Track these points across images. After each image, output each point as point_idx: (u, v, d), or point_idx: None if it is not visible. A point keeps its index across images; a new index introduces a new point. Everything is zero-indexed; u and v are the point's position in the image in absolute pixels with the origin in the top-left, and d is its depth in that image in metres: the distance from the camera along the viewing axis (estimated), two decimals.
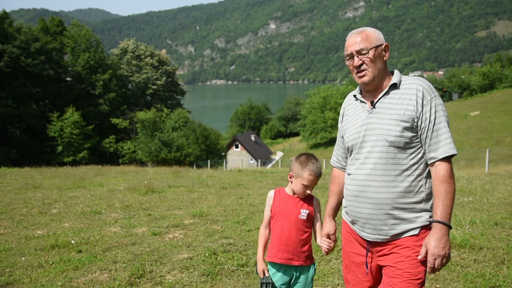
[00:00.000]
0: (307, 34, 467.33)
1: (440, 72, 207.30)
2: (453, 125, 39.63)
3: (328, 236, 2.31)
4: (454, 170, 1.93)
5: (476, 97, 61.70)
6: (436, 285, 3.41)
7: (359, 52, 1.98)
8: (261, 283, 2.36)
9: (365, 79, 1.99)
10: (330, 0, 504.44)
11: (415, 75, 2.15)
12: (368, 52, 1.97)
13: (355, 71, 2.02)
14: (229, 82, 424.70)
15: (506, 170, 14.13)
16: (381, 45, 2.00)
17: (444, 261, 1.82)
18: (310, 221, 2.41)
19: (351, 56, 2.01)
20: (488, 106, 46.99)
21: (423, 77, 2.65)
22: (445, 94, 68.27)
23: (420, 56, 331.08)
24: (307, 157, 2.38)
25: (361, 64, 1.98)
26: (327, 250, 2.30)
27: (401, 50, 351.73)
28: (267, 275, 2.41)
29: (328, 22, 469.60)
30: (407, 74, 2.52)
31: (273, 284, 2.39)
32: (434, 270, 1.84)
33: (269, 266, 2.43)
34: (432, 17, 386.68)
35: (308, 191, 2.35)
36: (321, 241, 2.32)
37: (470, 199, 7.09)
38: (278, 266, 2.40)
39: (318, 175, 2.34)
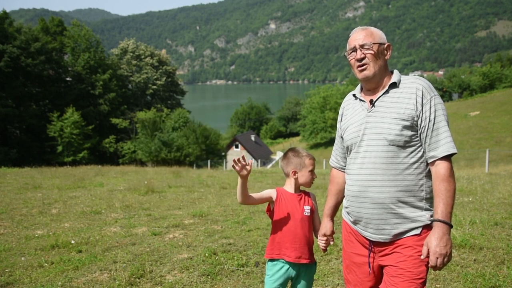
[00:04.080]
0: (307, 34, 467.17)
1: (440, 72, 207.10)
2: (453, 125, 39.64)
3: (325, 236, 2.34)
4: (454, 170, 1.93)
5: (476, 97, 61.73)
6: (436, 285, 3.41)
7: (362, 46, 1.98)
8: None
9: (366, 72, 1.99)
10: (330, 0, 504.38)
11: (415, 75, 2.15)
12: (371, 47, 1.97)
13: (356, 64, 2.01)
14: (229, 82, 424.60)
15: (506, 170, 14.12)
16: (384, 44, 2.02)
17: (445, 260, 1.82)
18: (312, 217, 2.45)
19: (354, 50, 2.01)
20: (488, 106, 47.02)
21: (423, 77, 2.65)
22: (445, 94, 68.23)
23: (420, 56, 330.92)
24: (293, 149, 2.51)
25: (363, 58, 1.98)
26: (324, 248, 2.37)
27: (401, 50, 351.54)
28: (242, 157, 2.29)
29: (328, 22, 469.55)
30: (407, 74, 2.54)
31: None
32: (436, 269, 1.85)
33: (273, 263, 2.40)
34: (432, 17, 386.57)
35: (314, 176, 2.46)
36: (319, 240, 2.36)
37: (470, 199, 7.08)
38: (282, 264, 2.38)
39: (313, 157, 2.52)
